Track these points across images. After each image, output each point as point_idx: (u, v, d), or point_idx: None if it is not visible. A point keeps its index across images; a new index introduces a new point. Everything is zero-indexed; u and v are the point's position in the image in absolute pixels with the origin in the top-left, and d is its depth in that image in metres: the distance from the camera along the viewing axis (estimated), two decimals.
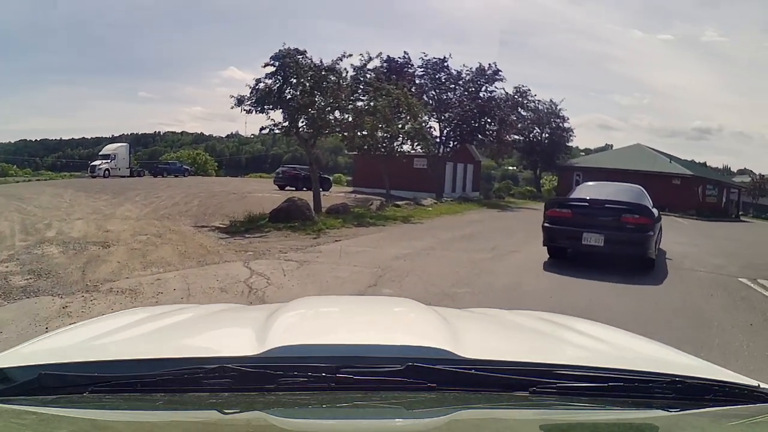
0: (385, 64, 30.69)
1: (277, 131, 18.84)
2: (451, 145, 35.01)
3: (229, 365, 1.22)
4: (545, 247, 10.72)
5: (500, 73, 34.50)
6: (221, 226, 14.49)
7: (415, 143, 26.50)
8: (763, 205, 55.12)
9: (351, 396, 1.21)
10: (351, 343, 1.45)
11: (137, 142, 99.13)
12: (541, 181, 54.50)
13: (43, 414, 1.15)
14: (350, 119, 19.04)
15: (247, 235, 12.98)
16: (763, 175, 56.95)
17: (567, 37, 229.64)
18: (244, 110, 17.83)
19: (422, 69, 33.80)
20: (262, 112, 17.96)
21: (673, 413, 1.23)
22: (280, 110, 18.02)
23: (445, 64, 33.84)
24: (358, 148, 24.88)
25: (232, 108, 17.51)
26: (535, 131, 47.70)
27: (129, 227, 13.22)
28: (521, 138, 44.39)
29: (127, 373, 1.24)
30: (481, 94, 34.40)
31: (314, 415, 1.17)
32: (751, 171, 66.35)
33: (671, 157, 45.12)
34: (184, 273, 8.27)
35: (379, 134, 22.78)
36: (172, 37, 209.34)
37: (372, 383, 1.22)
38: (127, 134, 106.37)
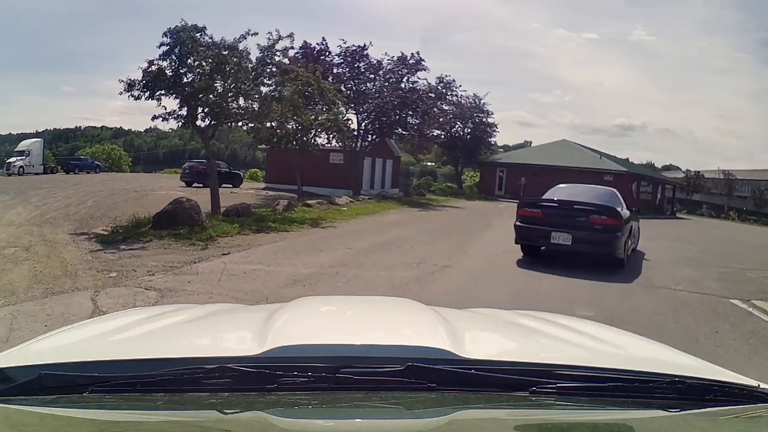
0: (300, 50, 29.03)
1: (172, 120, 16.62)
2: (369, 139, 34.24)
3: (229, 365, 1.22)
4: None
5: (423, 62, 33.66)
6: (103, 233, 13.17)
7: (331, 136, 24.83)
8: (695, 201, 57.13)
9: (351, 396, 1.22)
10: (351, 343, 1.44)
11: (59, 137, 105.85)
12: (462, 177, 53.85)
13: (43, 414, 1.16)
14: (256, 107, 17.00)
15: (122, 246, 11.31)
16: (698, 172, 58.56)
17: (489, 35, 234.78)
18: (133, 96, 15.59)
19: (341, 57, 32.24)
20: (152, 98, 15.71)
21: (673, 413, 1.24)
22: (174, 96, 15.80)
23: (365, 52, 32.62)
24: (266, 140, 22.87)
25: (120, 94, 15.41)
26: (457, 126, 47.09)
27: (4, 237, 12.08)
28: (443, 133, 43.39)
29: (127, 373, 1.25)
30: (402, 85, 33.27)
31: (314, 415, 1.17)
32: (678, 167, 68.47)
33: (601, 153, 45.53)
34: (17, 310, 7.05)
35: (290, 125, 20.90)
36: (94, 29, 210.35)
37: (372, 383, 1.22)
38: (50, 129, 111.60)
